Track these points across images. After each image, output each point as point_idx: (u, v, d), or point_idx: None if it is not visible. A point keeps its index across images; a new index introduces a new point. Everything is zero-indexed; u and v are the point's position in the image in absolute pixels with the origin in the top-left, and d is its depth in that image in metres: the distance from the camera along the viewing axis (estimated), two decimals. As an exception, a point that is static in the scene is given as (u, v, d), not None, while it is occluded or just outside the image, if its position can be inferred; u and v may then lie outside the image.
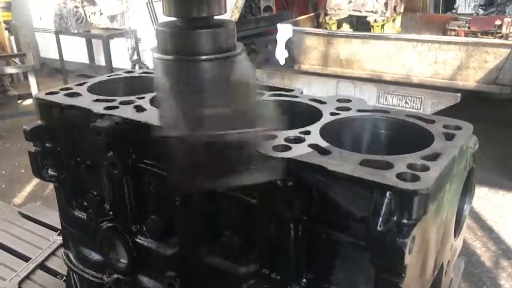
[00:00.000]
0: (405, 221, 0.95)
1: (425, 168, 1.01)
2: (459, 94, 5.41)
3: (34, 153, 1.63)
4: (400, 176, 0.98)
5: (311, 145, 1.15)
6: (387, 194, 0.96)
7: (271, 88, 1.62)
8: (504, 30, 6.33)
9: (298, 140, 1.18)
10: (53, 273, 2.38)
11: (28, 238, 2.67)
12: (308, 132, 1.23)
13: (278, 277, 1.19)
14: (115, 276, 1.57)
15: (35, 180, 5.39)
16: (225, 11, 1.19)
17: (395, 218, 0.95)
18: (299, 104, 1.50)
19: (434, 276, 1.23)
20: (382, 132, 1.37)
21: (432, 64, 5.48)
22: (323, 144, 1.15)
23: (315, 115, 1.38)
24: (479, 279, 3.86)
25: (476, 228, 4.55)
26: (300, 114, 1.47)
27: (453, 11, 8.82)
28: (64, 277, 2.14)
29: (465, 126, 1.24)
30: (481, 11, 8.64)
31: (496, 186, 5.25)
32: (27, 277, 2.35)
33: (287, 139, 1.18)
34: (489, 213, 4.78)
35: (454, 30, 7.07)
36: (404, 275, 0.95)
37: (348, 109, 1.41)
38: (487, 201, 5.01)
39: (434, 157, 1.07)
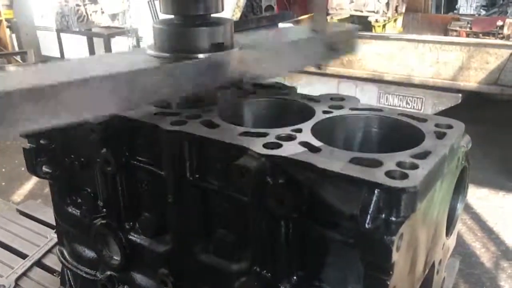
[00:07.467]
0: (393, 218, 0.94)
1: (414, 166, 1.01)
2: (460, 95, 5.41)
3: (28, 149, 1.64)
4: (389, 174, 0.97)
5: (302, 143, 1.14)
6: (376, 191, 0.95)
7: (263, 86, 1.62)
8: (505, 31, 6.33)
9: (289, 138, 1.18)
10: (50, 270, 2.38)
11: (26, 236, 2.67)
12: (299, 130, 1.22)
13: (269, 274, 1.18)
14: (108, 273, 1.58)
15: (35, 178, 5.39)
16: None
17: (383, 215, 0.95)
18: (292, 102, 1.50)
19: (424, 274, 1.23)
20: (374, 130, 1.36)
21: (433, 65, 5.47)
22: (314, 142, 1.15)
23: (308, 113, 1.38)
24: (478, 280, 3.85)
25: (476, 229, 4.54)
26: (292, 112, 1.47)
27: (455, 11, 8.82)
28: (60, 274, 2.14)
29: (456, 125, 1.23)
30: (483, 12, 8.63)
31: (497, 187, 5.24)
32: (24, 274, 2.35)
33: (278, 137, 1.18)
34: (489, 214, 4.77)
35: (456, 30, 7.07)
36: (392, 272, 0.95)
37: (341, 107, 1.41)
38: (488, 202, 5.00)
39: (424, 155, 1.07)
